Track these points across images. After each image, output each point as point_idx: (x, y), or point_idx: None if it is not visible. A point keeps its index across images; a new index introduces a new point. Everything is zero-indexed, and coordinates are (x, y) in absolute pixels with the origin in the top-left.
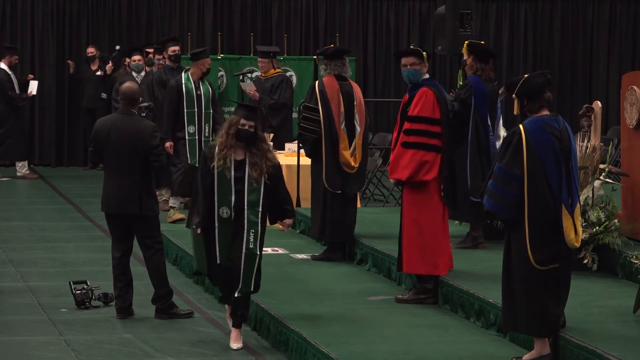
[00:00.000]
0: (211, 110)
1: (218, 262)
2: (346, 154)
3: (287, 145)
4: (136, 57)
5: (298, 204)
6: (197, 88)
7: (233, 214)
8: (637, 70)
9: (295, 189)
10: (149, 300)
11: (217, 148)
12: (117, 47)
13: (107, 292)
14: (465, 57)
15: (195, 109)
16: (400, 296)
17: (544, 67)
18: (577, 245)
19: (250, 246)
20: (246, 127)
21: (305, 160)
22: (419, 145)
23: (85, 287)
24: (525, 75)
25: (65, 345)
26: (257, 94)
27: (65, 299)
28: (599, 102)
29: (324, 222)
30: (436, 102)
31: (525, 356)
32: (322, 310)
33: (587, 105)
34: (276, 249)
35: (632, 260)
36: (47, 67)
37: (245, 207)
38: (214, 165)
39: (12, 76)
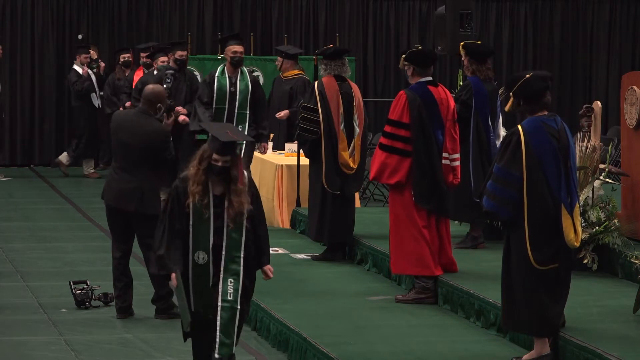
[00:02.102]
0: (248, 111)
1: (192, 309)
2: (345, 154)
3: (287, 145)
4: (164, 58)
5: (298, 204)
6: (233, 84)
7: (211, 258)
8: (637, 70)
9: (295, 189)
10: (149, 300)
11: (190, 182)
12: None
13: (107, 292)
14: (463, 57)
15: (226, 106)
16: (400, 296)
17: (544, 67)
18: (577, 244)
19: (229, 298)
20: (219, 164)
21: (306, 161)
22: (385, 147)
23: (85, 287)
24: (528, 75)
25: (65, 345)
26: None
27: (65, 299)
28: (599, 102)
29: (323, 223)
30: (406, 106)
31: (525, 356)
32: (322, 310)
33: (587, 105)
34: (276, 249)
35: (632, 260)
36: (47, 67)
37: (224, 250)
38: (189, 203)
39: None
